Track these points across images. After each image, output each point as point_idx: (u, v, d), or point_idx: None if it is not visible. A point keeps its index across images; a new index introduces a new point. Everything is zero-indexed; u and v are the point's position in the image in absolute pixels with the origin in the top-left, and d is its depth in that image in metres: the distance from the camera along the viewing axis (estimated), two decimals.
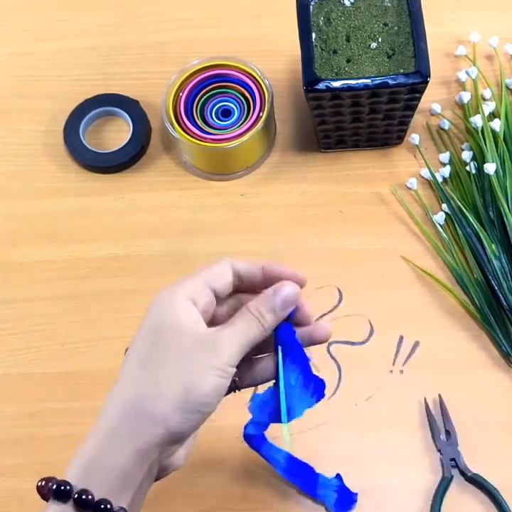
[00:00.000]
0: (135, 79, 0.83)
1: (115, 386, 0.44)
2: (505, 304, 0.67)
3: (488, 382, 0.66)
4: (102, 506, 0.40)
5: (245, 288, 0.48)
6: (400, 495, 0.62)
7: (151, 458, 0.42)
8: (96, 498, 0.40)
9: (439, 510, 0.60)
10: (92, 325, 0.71)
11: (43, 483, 0.41)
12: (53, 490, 0.40)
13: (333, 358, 0.68)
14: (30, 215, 0.77)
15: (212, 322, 0.47)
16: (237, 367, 0.44)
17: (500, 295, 0.67)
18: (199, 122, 0.75)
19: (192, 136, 0.74)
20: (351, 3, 0.69)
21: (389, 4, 0.69)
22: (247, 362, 0.47)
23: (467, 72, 0.78)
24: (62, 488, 0.40)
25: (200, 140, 0.74)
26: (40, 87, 0.84)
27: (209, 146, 0.74)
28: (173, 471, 0.46)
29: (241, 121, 0.75)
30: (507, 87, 0.78)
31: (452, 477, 0.61)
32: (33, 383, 0.69)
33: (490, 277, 0.68)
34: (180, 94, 0.76)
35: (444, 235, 0.72)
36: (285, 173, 0.77)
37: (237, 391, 0.48)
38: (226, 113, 0.76)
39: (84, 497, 0.40)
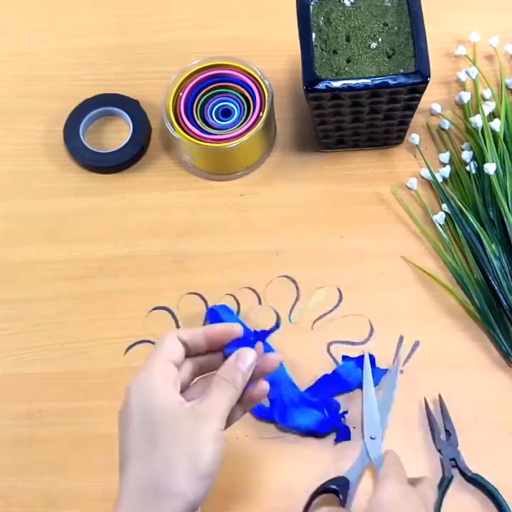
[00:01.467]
0: (135, 79, 0.83)
1: (123, 474, 0.48)
2: (505, 303, 0.67)
3: (488, 382, 0.66)
4: None
5: (193, 353, 0.53)
6: None
7: None
8: None
9: (439, 510, 0.60)
10: (92, 325, 0.71)
11: None
12: None
13: (333, 358, 0.68)
14: (30, 215, 0.77)
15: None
16: None
17: (500, 295, 0.67)
18: (199, 122, 0.75)
19: (192, 136, 0.74)
20: (351, 3, 0.69)
21: (389, 4, 0.69)
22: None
23: (467, 72, 0.78)
24: None
25: (200, 140, 0.74)
26: (40, 87, 0.84)
27: (209, 146, 0.74)
28: None
29: (241, 121, 0.75)
30: (507, 87, 0.78)
31: (452, 477, 0.61)
32: (33, 383, 0.69)
33: (490, 277, 0.68)
34: (180, 94, 0.76)
35: (444, 235, 0.72)
36: (285, 173, 0.77)
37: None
38: (226, 113, 0.76)
39: None
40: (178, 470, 0.46)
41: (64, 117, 0.80)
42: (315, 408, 0.64)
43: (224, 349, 0.53)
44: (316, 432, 0.64)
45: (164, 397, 0.49)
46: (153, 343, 0.70)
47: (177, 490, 0.46)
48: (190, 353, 0.53)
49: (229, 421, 0.51)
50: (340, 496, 0.60)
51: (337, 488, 0.61)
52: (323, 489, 0.61)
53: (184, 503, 0.46)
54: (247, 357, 0.52)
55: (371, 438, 0.63)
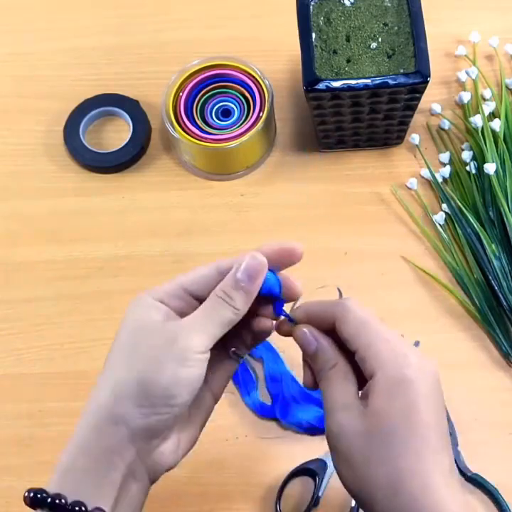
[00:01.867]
0: (135, 79, 0.83)
1: (92, 391, 0.44)
2: (505, 303, 0.67)
3: (488, 382, 0.66)
4: (77, 508, 0.40)
5: None
6: None
7: (125, 457, 0.42)
8: (70, 501, 0.40)
9: None
10: (92, 325, 0.71)
11: (26, 494, 0.42)
12: (30, 498, 0.41)
13: None
14: (30, 215, 0.77)
15: None
16: (232, 339, 0.45)
17: (500, 295, 0.67)
18: (199, 122, 0.75)
19: (192, 136, 0.74)
20: (351, 3, 0.69)
21: (389, 4, 0.69)
22: (243, 330, 0.46)
23: (467, 72, 0.78)
24: (39, 496, 0.41)
25: (200, 140, 0.74)
26: (40, 87, 0.84)
27: (209, 146, 0.74)
28: (168, 469, 0.45)
29: (241, 121, 0.75)
30: (507, 87, 0.78)
31: None
32: (33, 383, 0.69)
33: (490, 277, 0.68)
34: (180, 94, 0.76)
35: (444, 235, 0.72)
36: (285, 173, 0.77)
37: (241, 359, 0.48)
38: (226, 113, 0.76)
39: (57, 501, 0.40)
40: (125, 392, 0.41)
41: (64, 117, 0.80)
42: (316, 404, 0.64)
43: None
44: (317, 429, 0.64)
45: (149, 314, 0.44)
46: None
47: (119, 415, 0.41)
48: None
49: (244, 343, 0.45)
50: (317, 478, 0.61)
51: (315, 470, 0.61)
52: (300, 470, 0.62)
53: (127, 430, 0.41)
54: (252, 268, 0.43)
55: None
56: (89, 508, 0.40)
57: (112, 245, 0.75)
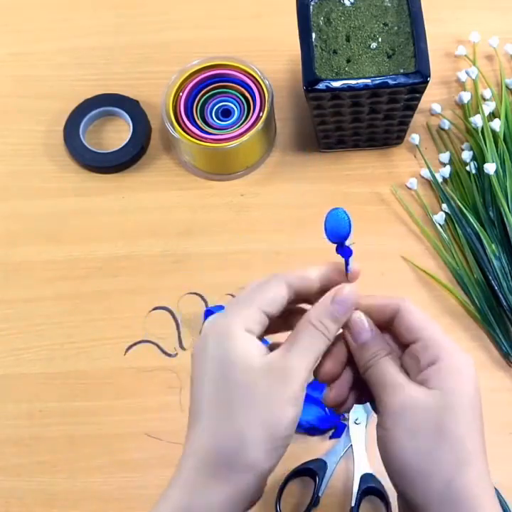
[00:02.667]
0: (135, 79, 0.83)
1: (191, 435, 0.42)
2: (505, 303, 0.67)
3: (488, 382, 0.66)
4: None
5: (298, 302, 0.46)
6: None
7: (245, 502, 0.41)
8: None
9: None
10: (92, 325, 0.71)
11: None
12: None
13: None
14: (30, 215, 0.77)
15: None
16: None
17: (500, 295, 0.67)
18: (199, 122, 0.75)
19: (192, 136, 0.74)
20: (351, 3, 0.69)
21: (389, 4, 0.69)
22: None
23: (467, 72, 0.78)
24: None
25: (200, 140, 0.74)
26: (40, 87, 0.84)
27: (209, 146, 0.74)
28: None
29: (241, 121, 0.75)
30: (507, 87, 0.78)
31: None
32: (33, 383, 0.69)
33: (490, 277, 0.68)
34: (180, 94, 0.76)
35: (444, 235, 0.72)
36: (285, 173, 0.77)
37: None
38: (226, 113, 0.76)
39: None
40: (250, 439, 0.40)
41: (64, 117, 0.80)
42: (316, 404, 0.64)
43: None
44: (317, 429, 0.64)
45: (244, 348, 0.41)
46: (153, 343, 0.70)
47: (249, 462, 0.40)
48: (297, 300, 0.45)
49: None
50: (317, 478, 0.61)
51: (315, 470, 0.61)
52: (300, 470, 0.62)
53: (255, 476, 0.41)
54: (346, 297, 0.43)
55: (355, 422, 0.63)
56: None
57: (111, 245, 0.75)
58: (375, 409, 0.45)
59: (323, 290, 0.45)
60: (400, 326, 0.44)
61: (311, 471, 0.61)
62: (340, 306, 0.43)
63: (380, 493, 0.61)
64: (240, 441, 0.40)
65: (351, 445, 0.63)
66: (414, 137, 0.76)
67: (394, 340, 0.45)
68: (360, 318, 0.45)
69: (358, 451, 0.62)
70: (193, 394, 0.42)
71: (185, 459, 0.41)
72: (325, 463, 0.62)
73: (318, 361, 0.44)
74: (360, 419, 0.63)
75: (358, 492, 0.60)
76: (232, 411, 0.41)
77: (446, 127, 0.77)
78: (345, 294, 0.43)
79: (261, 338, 0.43)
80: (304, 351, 0.42)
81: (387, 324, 0.45)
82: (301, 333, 0.42)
